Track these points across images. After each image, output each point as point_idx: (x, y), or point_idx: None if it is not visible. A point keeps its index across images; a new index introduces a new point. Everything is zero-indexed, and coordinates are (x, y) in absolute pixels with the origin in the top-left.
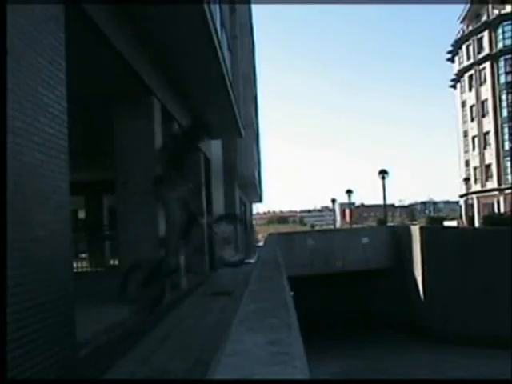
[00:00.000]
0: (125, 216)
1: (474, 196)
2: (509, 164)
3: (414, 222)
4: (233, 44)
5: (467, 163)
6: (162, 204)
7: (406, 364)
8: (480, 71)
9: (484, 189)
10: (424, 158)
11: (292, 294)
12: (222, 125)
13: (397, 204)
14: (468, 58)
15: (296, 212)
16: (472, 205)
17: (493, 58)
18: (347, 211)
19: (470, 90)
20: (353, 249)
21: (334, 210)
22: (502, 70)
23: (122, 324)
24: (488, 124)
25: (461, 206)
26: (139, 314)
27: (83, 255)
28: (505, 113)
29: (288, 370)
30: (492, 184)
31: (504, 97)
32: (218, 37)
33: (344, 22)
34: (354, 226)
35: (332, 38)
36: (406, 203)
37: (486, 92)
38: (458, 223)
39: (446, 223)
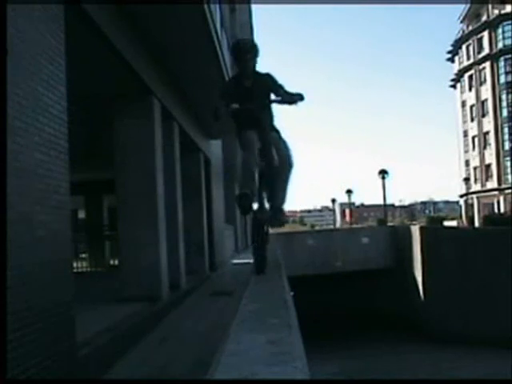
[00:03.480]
0: (125, 215)
1: (474, 196)
2: (509, 164)
3: (414, 222)
4: None
5: (467, 163)
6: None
7: (407, 363)
8: (480, 71)
9: (484, 189)
10: (424, 158)
11: (292, 293)
12: (222, 124)
13: (397, 204)
14: (468, 58)
15: (296, 212)
16: (472, 205)
17: (493, 57)
18: (347, 211)
19: (470, 89)
20: (353, 249)
21: (333, 210)
22: (502, 70)
23: (122, 324)
24: (488, 124)
25: (461, 206)
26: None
27: (83, 255)
28: (505, 113)
29: (288, 370)
30: (492, 184)
31: (504, 97)
32: (218, 37)
33: (343, 20)
34: (354, 225)
35: (331, 35)
36: (406, 203)
37: (486, 92)
38: (458, 223)
39: (446, 223)
